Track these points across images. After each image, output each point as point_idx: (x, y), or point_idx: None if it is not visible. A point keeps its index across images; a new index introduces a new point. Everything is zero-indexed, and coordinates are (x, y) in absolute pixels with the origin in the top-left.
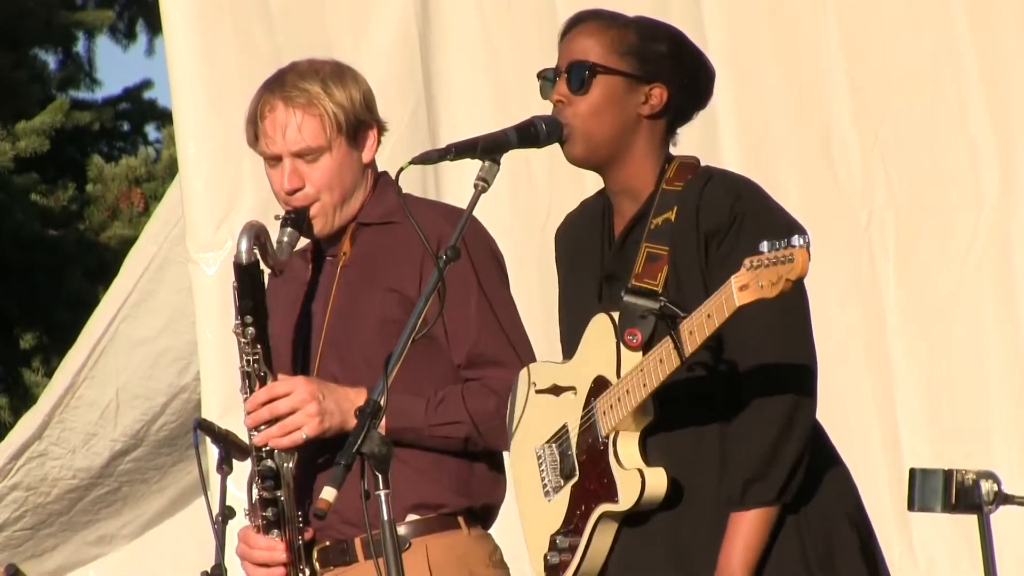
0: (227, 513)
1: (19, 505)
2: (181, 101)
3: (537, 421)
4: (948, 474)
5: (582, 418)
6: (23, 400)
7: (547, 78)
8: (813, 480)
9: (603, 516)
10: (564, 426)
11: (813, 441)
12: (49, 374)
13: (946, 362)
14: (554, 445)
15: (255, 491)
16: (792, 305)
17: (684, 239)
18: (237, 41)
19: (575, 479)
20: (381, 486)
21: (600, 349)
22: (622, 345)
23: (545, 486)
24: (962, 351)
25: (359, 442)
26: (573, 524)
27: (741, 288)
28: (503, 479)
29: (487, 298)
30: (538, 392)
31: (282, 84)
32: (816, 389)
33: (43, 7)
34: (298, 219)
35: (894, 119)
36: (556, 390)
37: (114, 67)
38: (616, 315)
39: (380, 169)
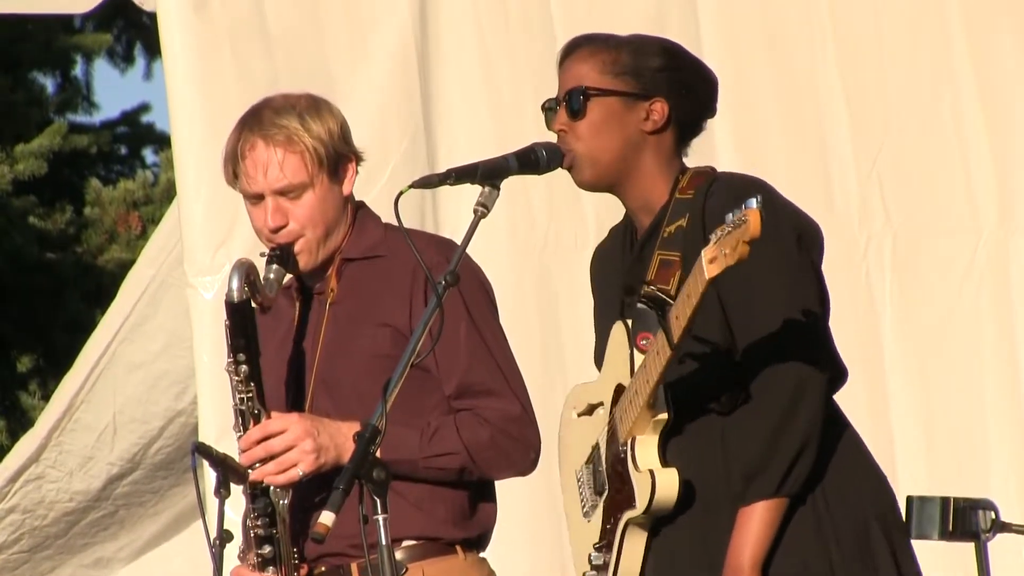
0: (224, 537)
1: (16, 528)
2: (180, 126)
3: (577, 445)
4: (946, 502)
5: (607, 430)
6: (20, 423)
7: (550, 108)
8: (839, 475)
9: (629, 524)
10: (596, 443)
11: (839, 433)
12: (46, 397)
13: (943, 388)
14: (590, 465)
15: (250, 529)
16: (794, 291)
17: (694, 243)
18: (236, 67)
19: (606, 493)
20: (379, 510)
21: (618, 358)
22: (635, 351)
23: (584, 507)
24: (959, 377)
25: (357, 466)
26: (606, 538)
27: (710, 261)
28: (495, 506)
29: (477, 328)
30: (579, 416)
31: (260, 121)
32: (822, 374)
33: (41, 30)
34: (283, 256)
35: (892, 145)
36: (590, 409)
37: (112, 90)
38: (630, 322)
39: (377, 195)
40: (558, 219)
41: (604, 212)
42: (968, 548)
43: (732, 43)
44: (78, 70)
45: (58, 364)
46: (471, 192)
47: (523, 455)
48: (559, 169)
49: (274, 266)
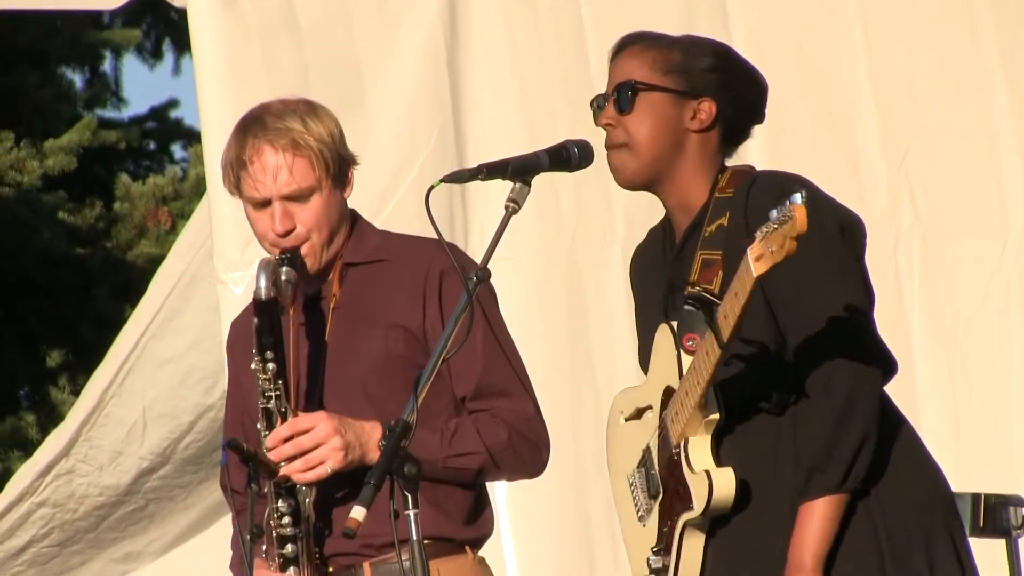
0: (255, 532)
1: (46, 522)
2: (209, 121)
3: (627, 449)
4: (977, 498)
5: (658, 433)
6: (50, 418)
7: (598, 105)
8: (891, 469)
9: (686, 526)
10: (647, 446)
11: (892, 428)
12: (75, 392)
13: (972, 386)
14: (642, 468)
15: (273, 529)
16: (843, 287)
17: (737, 241)
18: (265, 62)
19: (660, 496)
20: (411, 505)
21: (665, 360)
22: (682, 352)
23: (639, 511)
24: (988, 375)
25: (389, 461)
26: (664, 541)
27: (756, 259)
28: (492, 510)
29: (492, 329)
30: (627, 420)
31: (263, 126)
32: (877, 368)
33: (70, 26)
34: (294, 259)
35: (921, 142)
36: (639, 413)
37: (140, 86)
38: (675, 324)
39: (406, 190)
40: (587, 216)
41: (633, 209)
42: (999, 544)
43: (761, 41)
44: (107, 66)
45: (87, 359)
46: (500, 188)
47: (537, 455)
48: (589, 166)
49: (285, 268)
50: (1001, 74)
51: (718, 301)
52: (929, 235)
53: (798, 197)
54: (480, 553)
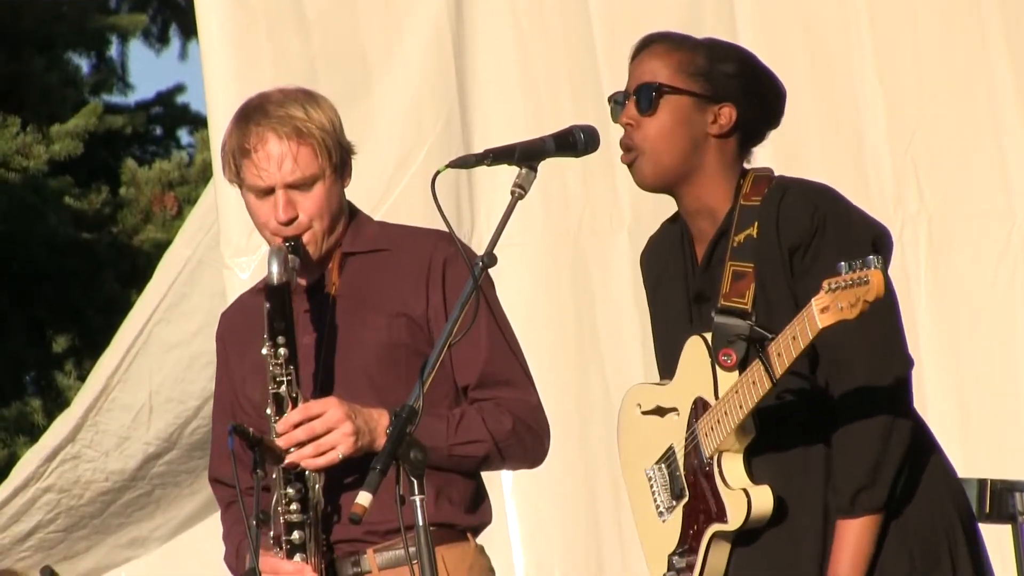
0: (261, 517)
1: (52, 507)
2: (216, 107)
3: (645, 442)
4: (982, 484)
5: (686, 439)
6: (56, 403)
7: (617, 101)
8: (917, 484)
9: (715, 535)
10: (671, 447)
11: (916, 444)
12: (81, 377)
13: (978, 371)
14: (663, 466)
15: (281, 515)
16: (884, 315)
17: (768, 255)
18: (271, 48)
19: (685, 499)
20: (416, 491)
21: (697, 371)
22: (717, 366)
23: (658, 507)
24: (994, 360)
25: (395, 446)
26: (688, 544)
27: (822, 310)
28: (490, 499)
29: (495, 318)
30: (644, 413)
31: (265, 114)
32: (912, 397)
33: (76, 11)
34: (297, 247)
35: (927, 129)
36: (661, 411)
37: (147, 71)
38: (709, 337)
39: (412, 177)
40: (593, 201)
41: (639, 195)
42: (1004, 530)
43: (767, 26)
44: (113, 51)
45: (93, 344)
46: (506, 173)
47: (539, 444)
48: (595, 151)
49: (290, 256)
50: (1006, 59)
51: (768, 335)
52: (935, 221)
53: (873, 260)
54: (481, 541)
